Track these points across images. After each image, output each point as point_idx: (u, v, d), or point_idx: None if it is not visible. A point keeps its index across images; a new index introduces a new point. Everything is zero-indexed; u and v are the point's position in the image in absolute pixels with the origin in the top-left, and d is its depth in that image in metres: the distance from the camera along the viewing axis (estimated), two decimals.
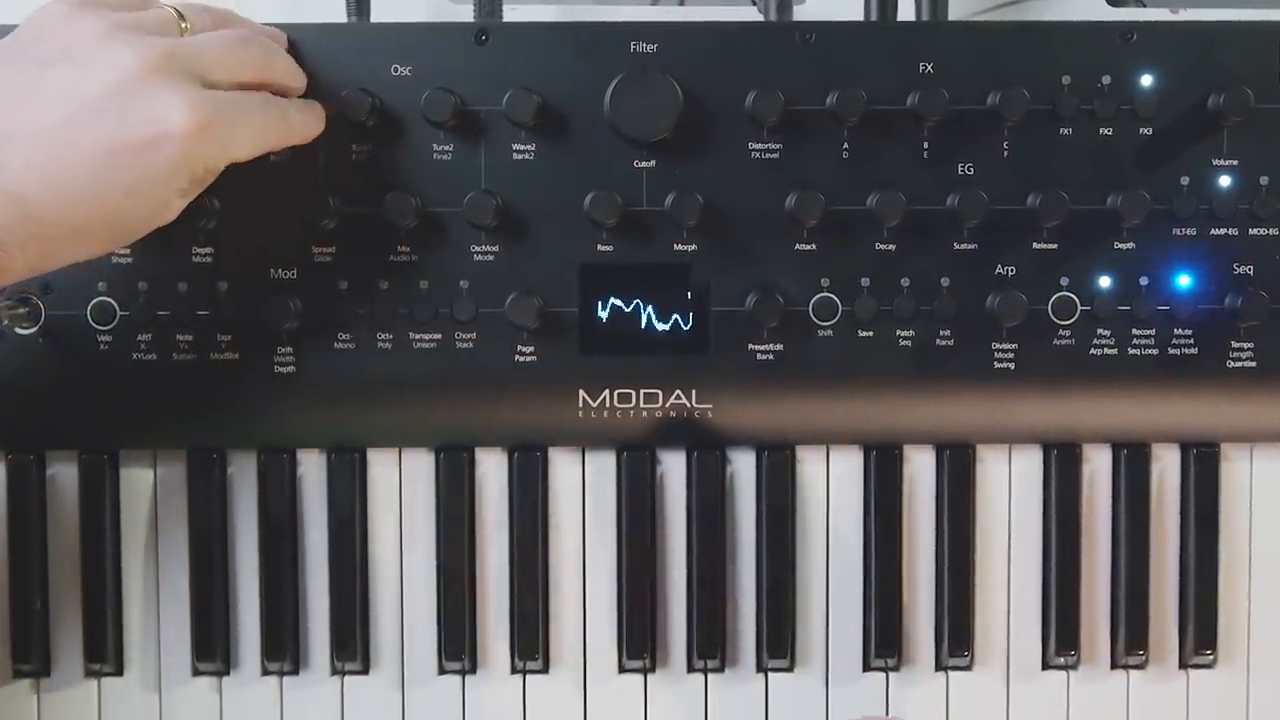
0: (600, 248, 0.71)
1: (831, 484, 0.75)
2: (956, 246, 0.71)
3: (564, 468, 0.74)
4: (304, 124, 0.66)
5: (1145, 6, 0.80)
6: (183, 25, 0.62)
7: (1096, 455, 0.75)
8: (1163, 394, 0.73)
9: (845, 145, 0.70)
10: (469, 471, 0.74)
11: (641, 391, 0.72)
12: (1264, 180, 0.71)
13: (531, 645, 0.74)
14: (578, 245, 0.71)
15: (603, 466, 0.74)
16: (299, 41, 0.68)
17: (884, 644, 0.74)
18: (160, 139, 0.57)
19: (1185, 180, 0.71)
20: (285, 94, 0.66)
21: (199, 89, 0.58)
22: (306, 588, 0.74)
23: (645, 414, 0.72)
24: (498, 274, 0.70)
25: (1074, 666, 0.75)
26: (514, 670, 0.75)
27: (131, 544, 0.74)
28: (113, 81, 0.57)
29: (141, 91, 0.57)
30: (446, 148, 0.70)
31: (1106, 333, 0.71)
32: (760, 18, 0.74)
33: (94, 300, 0.70)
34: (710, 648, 0.74)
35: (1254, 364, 0.72)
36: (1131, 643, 0.74)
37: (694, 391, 0.72)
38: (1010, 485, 0.75)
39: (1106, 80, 0.70)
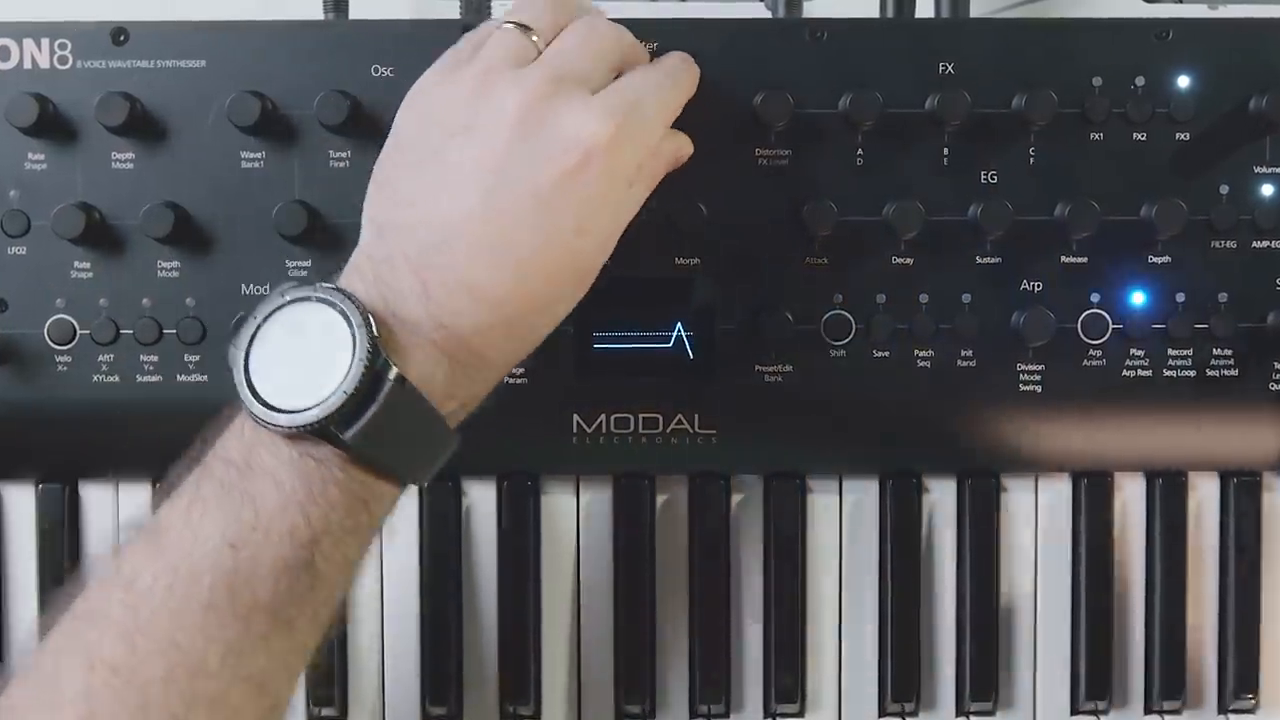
0: None
1: (845, 516, 0.72)
2: (979, 260, 0.68)
3: (557, 497, 0.72)
4: (687, 75, 0.63)
5: (1182, 2, 0.78)
6: (532, 38, 0.59)
7: (1129, 484, 0.73)
8: (1201, 418, 0.70)
9: (859, 151, 0.68)
10: (455, 502, 0.72)
11: (640, 416, 0.69)
12: None
13: (522, 688, 0.71)
14: None
15: (598, 496, 0.72)
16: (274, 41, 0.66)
17: (901, 688, 0.72)
18: (586, 158, 0.55)
19: (1225, 189, 0.68)
20: (638, 62, 0.63)
21: (591, 95, 0.57)
22: None
23: (644, 440, 0.69)
24: None
25: (1105, 712, 0.73)
26: (503, 715, 0.72)
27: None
28: (510, 131, 0.55)
29: (543, 124, 0.55)
30: None
31: (1140, 353, 0.69)
32: (768, 14, 0.72)
33: (52, 318, 0.67)
34: (713, 692, 0.72)
35: None
36: (1167, 686, 0.72)
37: (696, 416, 0.69)
38: (1037, 517, 0.73)
39: (1140, 81, 0.67)
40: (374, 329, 0.53)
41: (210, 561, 0.51)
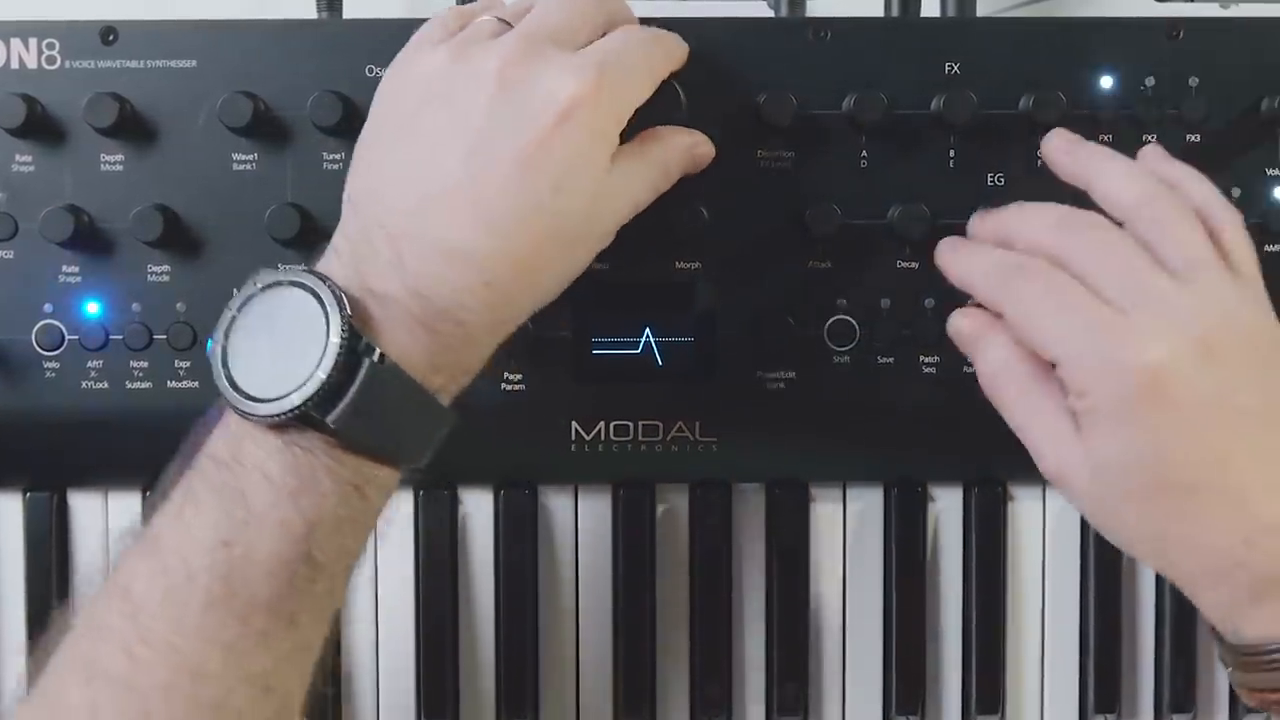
0: (595, 266, 0.65)
1: (849, 525, 0.72)
2: None
3: (556, 506, 0.71)
4: (675, 44, 0.62)
5: (1193, 1, 0.76)
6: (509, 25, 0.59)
7: None
8: None
9: (863, 153, 0.67)
10: (452, 511, 0.71)
11: (640, 423, 0.68)
12: None
13: (520, 701, 0.71)
14: None
15: (598, 505, 0.71)
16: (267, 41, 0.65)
17: (906, 701, 0.71)
18: (567, 113, 0.54)
19: (1237, 191, 0.67)
20: (626, 24, 0.62)
21: (569, 53, 0.56)
22: None
23: (644, 448, 0.69)
24: None
25: None
26: None
27: (83, 592, 0.69)
28: (490, 94, 0.54)
29: (522, 84, 0.54)
30: None
31: None
32: (771, 13, 0.71)
33: (39, 323, 0.66)
34: (714, 704, 0.71)
35: None
36: (1177, 698, 0.72)
37: (698, 423, 0.68)
38: (1045, 526, 0.72)
39: (1150, 82, 0.66)
40: (347, 308, 0.51)
41: (205, 561, 0.50)
